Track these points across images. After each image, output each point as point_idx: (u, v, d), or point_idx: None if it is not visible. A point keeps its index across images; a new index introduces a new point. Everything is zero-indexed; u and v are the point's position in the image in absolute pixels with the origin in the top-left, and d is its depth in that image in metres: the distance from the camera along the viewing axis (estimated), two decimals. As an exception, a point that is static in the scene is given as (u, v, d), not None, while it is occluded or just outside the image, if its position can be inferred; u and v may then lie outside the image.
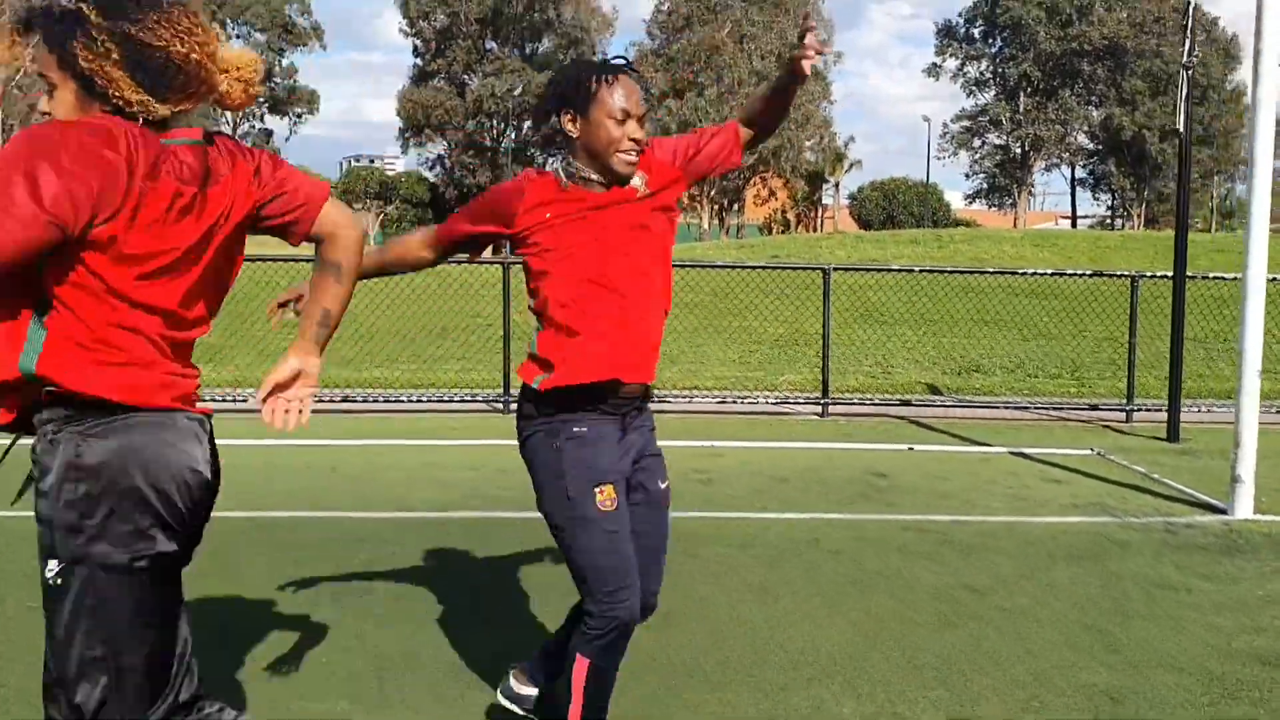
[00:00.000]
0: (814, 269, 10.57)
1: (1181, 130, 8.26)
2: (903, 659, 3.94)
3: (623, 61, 2.91)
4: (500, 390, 9.47)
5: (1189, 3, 8.11)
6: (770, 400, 10.14)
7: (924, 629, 4.24)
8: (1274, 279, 8.42)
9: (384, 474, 6.86)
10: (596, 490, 2.79)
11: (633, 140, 2.81)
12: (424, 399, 9.58)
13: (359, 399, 9.49)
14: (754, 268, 12.47)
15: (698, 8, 57.86)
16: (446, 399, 9.65)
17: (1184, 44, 8.05)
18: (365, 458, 7.39)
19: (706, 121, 55.67)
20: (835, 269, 10.04)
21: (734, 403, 9.96)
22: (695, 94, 56.60)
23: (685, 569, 4.90)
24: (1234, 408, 6.33)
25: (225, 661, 3.72)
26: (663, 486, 3.03)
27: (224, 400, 9.28)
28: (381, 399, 9.52)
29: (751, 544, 5.38)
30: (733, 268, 12.95)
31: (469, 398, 9.75)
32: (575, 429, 2.82)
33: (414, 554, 5.10)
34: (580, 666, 2.88)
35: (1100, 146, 62.80)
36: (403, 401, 9.49)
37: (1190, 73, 8.10)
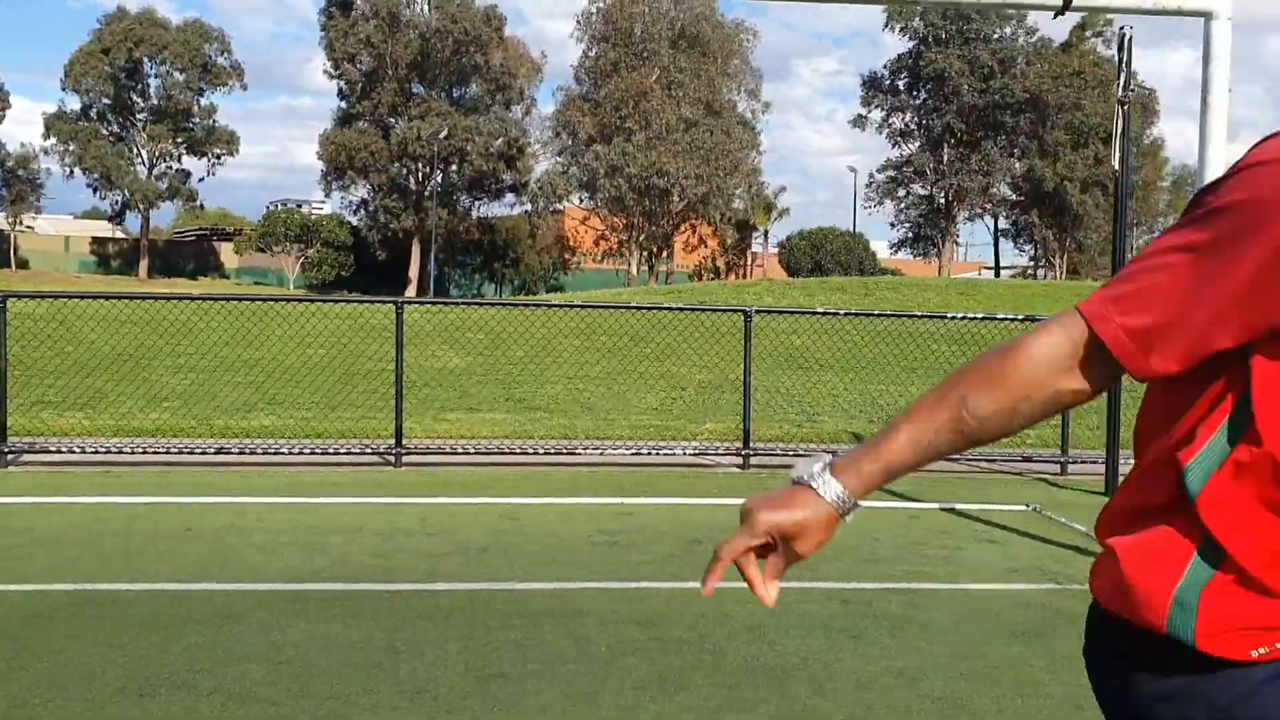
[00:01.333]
0: (734, 311, 9.98)
1: (1118, 168, 7.83)
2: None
3: None
4: (392, 441, 8.68)
5: (1123, 35, 7.70)
6: (689, 451, 9.49)
7: (847, 731, 3.58)
8: None
9: (244, 537, 6.05)
10: None
11: None
12: (307, 450, 8.74)
13: (235, 450, 8.62)
14: (673, 309, 11.89)
15: (625, 54, 57.83)
16: (333, 450, 8.83)
17: (1119, 77, 7.63)
18: (228, 518, 6.56)
19: (634, 167, 55.48)
20: (757, 311, 9.44)
21: (650, 454, 9.28)
22: (623, 139, 56.36)
23: (571, 656, 4.19)
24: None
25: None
26: None
27: (90, 451, 8.39)
28: (260, 450, 8.65)
29: (653, 622, 4.69)
30: (652, 309, 12.34)
31: (358, 449, 8.95)
32: None
33: (256, 637, 4.31)
34: None
35: (1022, 197, 63.67)
36: (284, 454, 8.63)
37: (1126, 108, 7.68)
